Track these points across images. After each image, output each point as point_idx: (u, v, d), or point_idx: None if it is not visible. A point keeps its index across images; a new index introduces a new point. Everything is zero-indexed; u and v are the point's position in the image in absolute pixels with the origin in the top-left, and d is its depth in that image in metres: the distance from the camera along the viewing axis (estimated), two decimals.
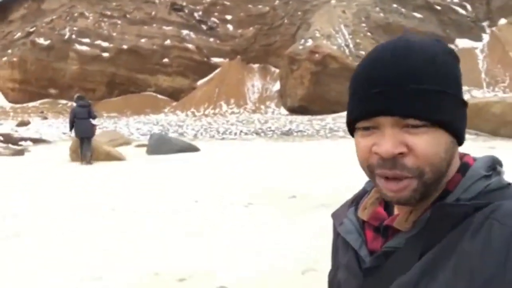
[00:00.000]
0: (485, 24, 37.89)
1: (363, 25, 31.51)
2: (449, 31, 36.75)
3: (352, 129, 0.65)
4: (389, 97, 0.58)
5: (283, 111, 24.50)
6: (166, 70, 34.63)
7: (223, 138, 16.18)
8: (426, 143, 0.58)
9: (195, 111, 26.53)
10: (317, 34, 26.66)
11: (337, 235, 0.77)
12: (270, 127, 17.81)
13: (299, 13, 32.75)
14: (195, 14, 36.52)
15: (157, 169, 8.64)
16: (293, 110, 24.81)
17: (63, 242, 3.98)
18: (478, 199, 0.59)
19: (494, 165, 0.64)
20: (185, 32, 36.05)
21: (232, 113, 24.63)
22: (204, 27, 36.80)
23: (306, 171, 7.87)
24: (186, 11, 36.08)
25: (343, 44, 26.44)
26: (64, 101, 29.70)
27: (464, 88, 0.68)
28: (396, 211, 0.67)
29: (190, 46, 35.31)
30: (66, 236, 4.18)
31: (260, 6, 34.40)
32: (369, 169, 0.62)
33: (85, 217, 4.90)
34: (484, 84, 29.19)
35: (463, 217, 0.57)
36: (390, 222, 0.65)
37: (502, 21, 37.76)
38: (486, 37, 37.09)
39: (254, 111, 24.80)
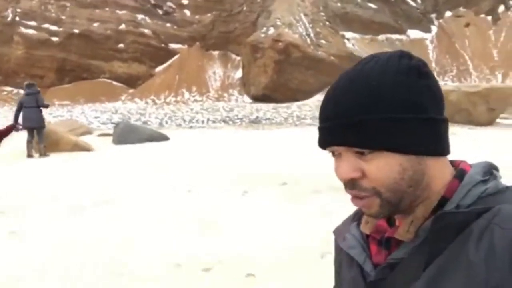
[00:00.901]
0: (433, 16, 40.08)
1: (322, 14, 32.05)
2: (401, 22, 38.49)
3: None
4: (330, 131, 0.63)
5: (247, 99, 24.47)
6: (121, 56, 33.10)
7: (191, 127, 15.93)
8: (376, 168, 0.60)
9: (155, 99, 25.75)
10: (278, 23, 26.75)
11: (339, 251, 0.77)
12: (237, 115, 17.78)
13: (259, 0, 32.59)
14: None
15: (133, 159, 8.36)
16: (256, 98, 24.84)
17: (67, 242, 3.78)
18: (477, 204, 0.60)
19: (490, 170, 0.65)
20: (140, 16, 34.60)
21: (195, 101, 24.22)
22: (160, 11, 35.55)
23: (287, 158, 7.99)
24: None
25: (304, 33, 26.75)
26: (9, 88, 27.57)
27: None
28: (397, 222, 0.67)
29: (146, 31, 34.00)
30: (69, 235, 3.97)
31: None
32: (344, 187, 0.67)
33: (73, 214, 4.66)
34: (435, 74, 31.09)
35: (465, 224, 0.58)
36: (392, 234, 0.65)
37: (448, 13, 40.19)
38: (434, 29, 39.31)
39: (217, 99, 24.55)
